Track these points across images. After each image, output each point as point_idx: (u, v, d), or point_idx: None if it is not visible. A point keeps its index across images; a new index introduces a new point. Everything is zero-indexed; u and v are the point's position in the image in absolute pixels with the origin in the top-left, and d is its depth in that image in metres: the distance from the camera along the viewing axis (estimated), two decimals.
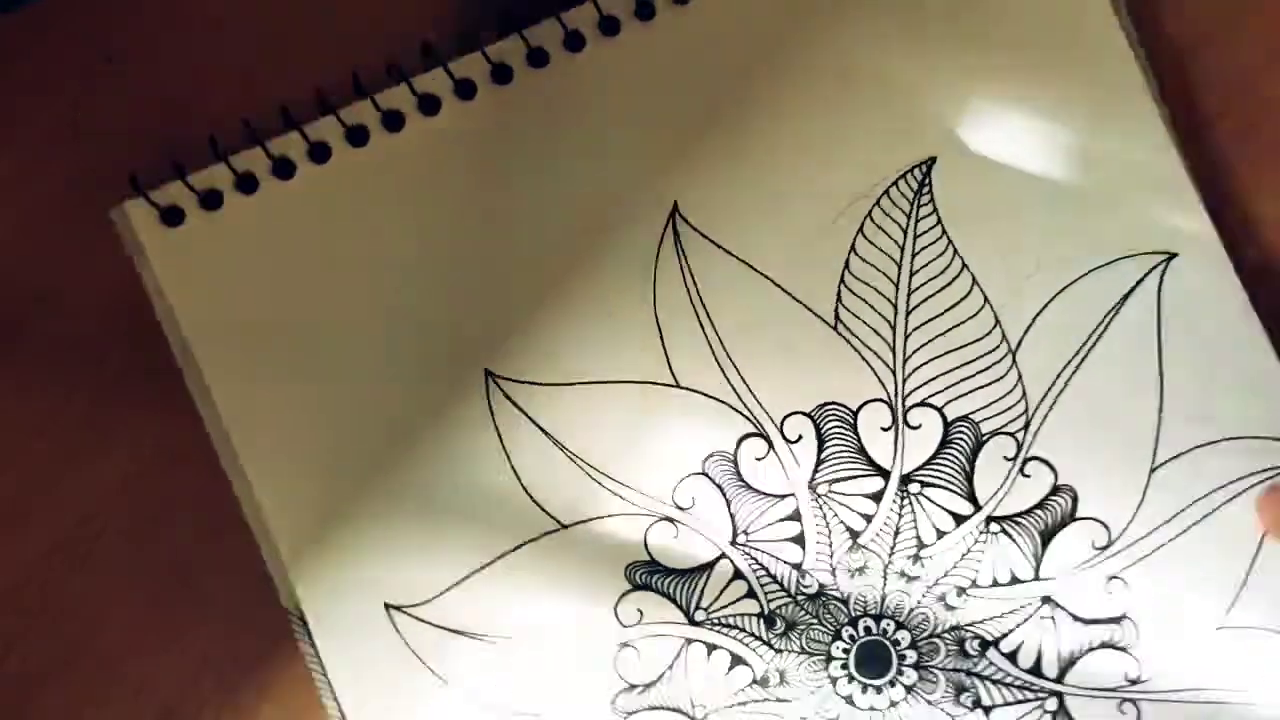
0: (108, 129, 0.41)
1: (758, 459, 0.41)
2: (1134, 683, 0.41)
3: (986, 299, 0.40)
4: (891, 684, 0.41)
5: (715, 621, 0.41)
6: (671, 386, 0.41)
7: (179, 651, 0.41)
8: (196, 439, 0.41)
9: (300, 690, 0.41)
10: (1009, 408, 0.41)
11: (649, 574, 0.41)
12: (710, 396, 0.41)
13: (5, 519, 0.41)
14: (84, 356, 0.41)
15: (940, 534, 0.41)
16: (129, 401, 0.41)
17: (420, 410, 0.41)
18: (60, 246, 0.41)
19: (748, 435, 0.41)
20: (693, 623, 0.41)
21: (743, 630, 0.41)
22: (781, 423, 0.41)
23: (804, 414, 0.41)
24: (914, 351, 0.41)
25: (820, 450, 0.41)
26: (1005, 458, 0.41)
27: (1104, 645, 0.41)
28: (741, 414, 0.41)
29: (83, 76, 0.41)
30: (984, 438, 0.41)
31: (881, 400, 0.41)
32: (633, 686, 0.41)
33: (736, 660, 0.41)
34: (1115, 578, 0.41)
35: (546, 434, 0.41)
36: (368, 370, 0.40)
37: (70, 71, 0.41)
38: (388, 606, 0.41)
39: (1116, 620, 0.41)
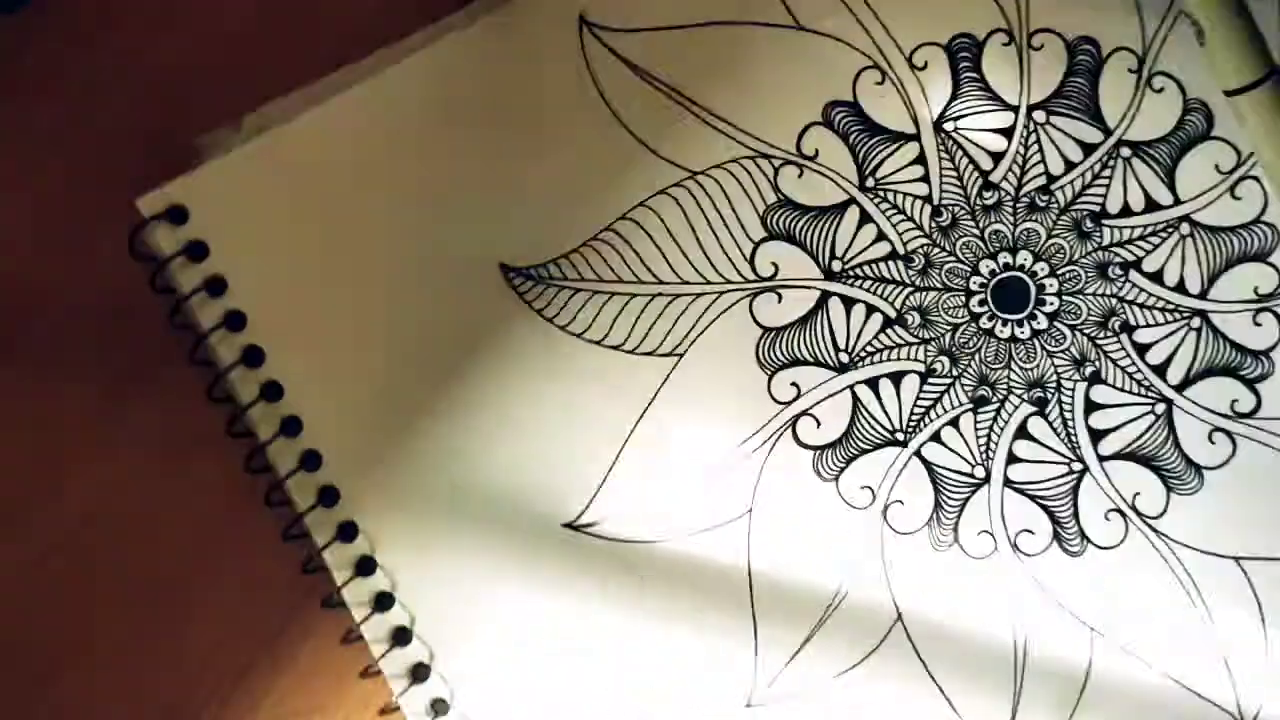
0: (108, 129, 0.41)
1: (876, 84, 0.41)
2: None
3: None
4: (1032, 316, 0.41)
5: (850, 273, 0.41)
6: (791, 28, 0.41)
7: (179, 651, 0.41)
8: (196, 439, 0.41)
9: (301, 690, 0.41)
10: (1127, 23, 0.40)
11: (782, 217, 0.41)
12: (829, 36, 0.41)
13: (5, 519, 0.40)
14: (84, 356, 0.41)
15: (1069, 164, 0.41)
16: (129, 401, 0.41)
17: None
18: (60, 246, 0.41)
19: (864, 69, 0.41)
20: (829, 275, 0.41)
21: (878, 278, 0.41)
22: (911, 53, 0.41)
23: (936, 44, 0.41)
24: None
25: (954, 84, 0.41)
26: (1129, 70, 0.40)
27: (1245, 258, 0.40)
28: (861, 52, 0.41)
29: (83, 76, 0.41)
30: (1106, 56, 0.40)
31: (1003, 29, 0.41)
32: (769, 330, 0.41)
33: (872, 310, 0.41)
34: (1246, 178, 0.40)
35: (657, 84, 0.41)
36: None
37: (70, 72, 0.41)
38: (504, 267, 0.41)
39: (1254, 224, 0.40)
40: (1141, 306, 0.40)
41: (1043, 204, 0.41)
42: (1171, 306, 0.40)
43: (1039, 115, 0.41)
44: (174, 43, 0.42)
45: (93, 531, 0.41)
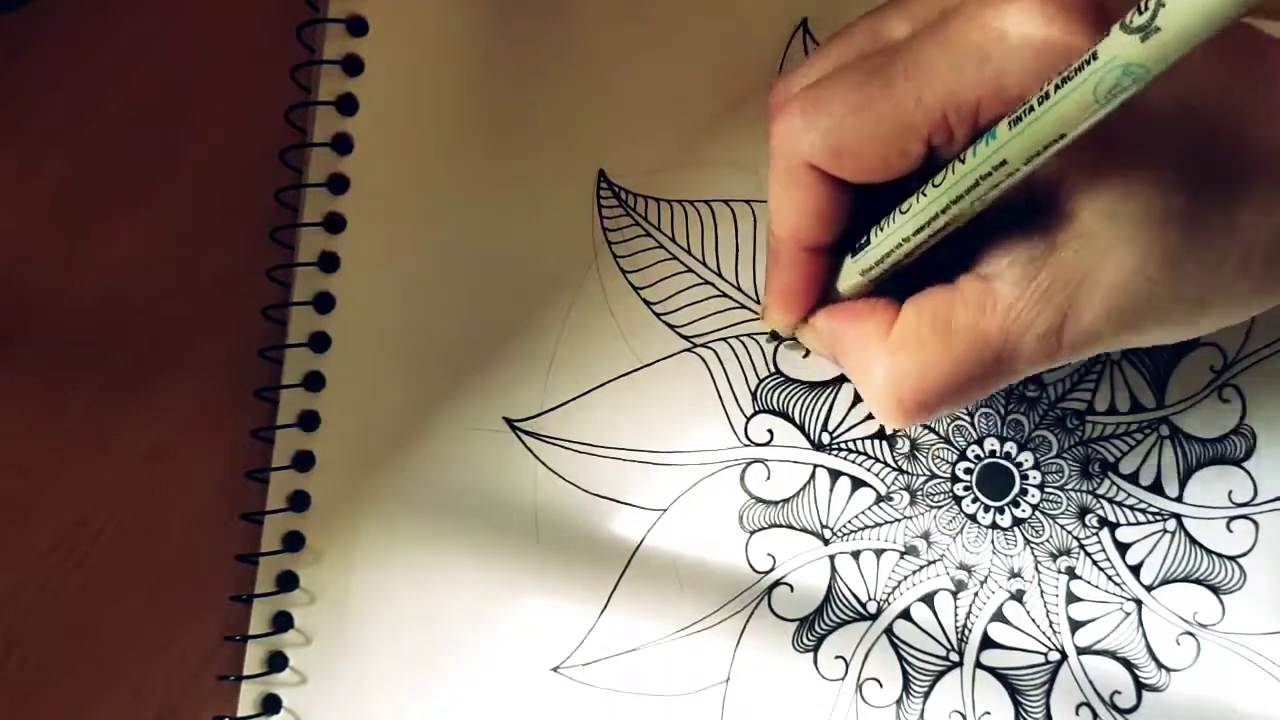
0: (108, 129, 0.42)
1: None
2: (1248, 503, 0.41)
3: None
4: (1015, 504, 0.42)
5: (839, 446, 0.42)
6: None
7: (179, 651, 0.41)
8: (196, 439, 0.42)
9: (302, 689, 0.41)
10: None
11: (778, 392, 0.42)
12: None
13: (5, 519, 0.41)
14: (84, 356, 0.41)
15: None
16: (129, 401, 0.41)
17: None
18: (60, 246, 0.42)
19: None
20: (817, 447, 0.42)
21: (866, 455, 0.42)
22: None
23: None
24: None
25: None
26: None
27: (1219, 461, 0.42)
28: None
29: (83, 76, 0.42)
30: None
31: None
32: (760, 501, 0.42)
33: (859, 484, 0.42)
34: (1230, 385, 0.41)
35: (661, 241, 0.42)
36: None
37: (71, 71, 0.42)
38: (507, 420, 0.41)
39: (1234, 433, 0.41)
40: (1120, 505, 0.41)
41: (1032, 395, 0.42)
42: (1148, 507, 0.41)
43: None
44: (174, 42, 0.42)
45: (93, 531, 0.41)
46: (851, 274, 0.35)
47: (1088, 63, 0.26)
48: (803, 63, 0.35)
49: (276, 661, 0.41)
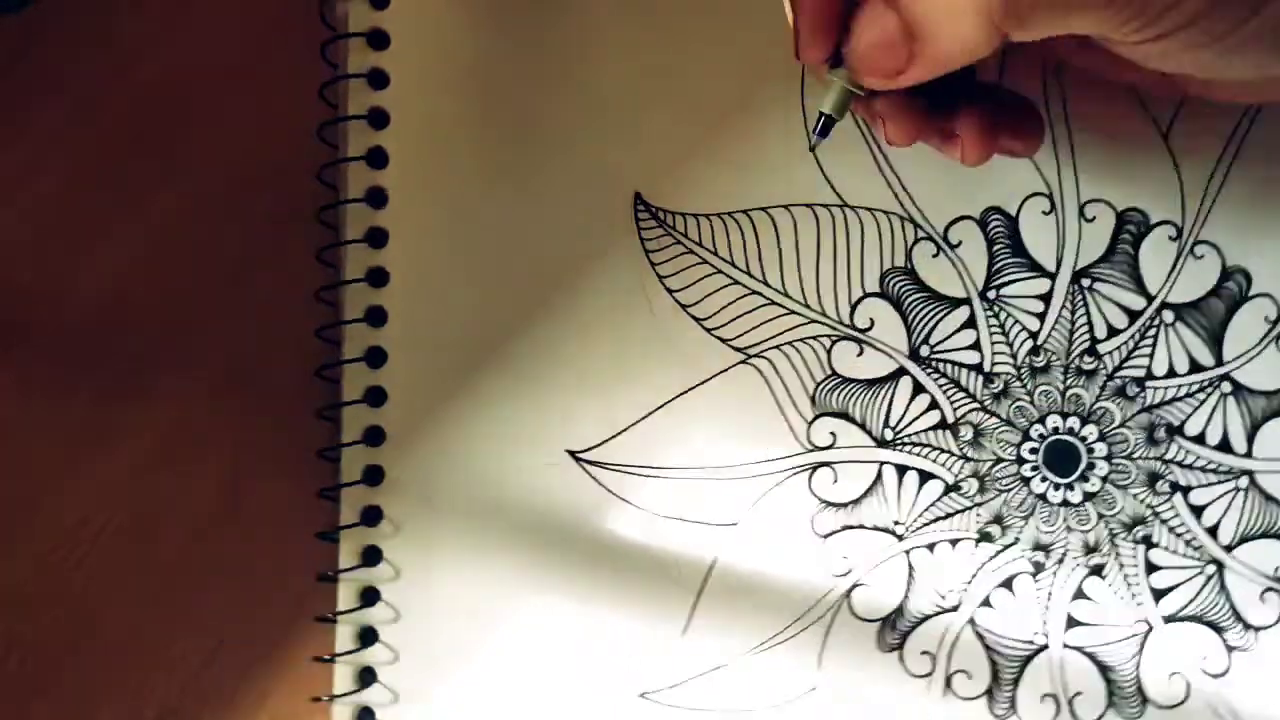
0: (109, 129, 0.41)
1: (932, 257, 0.41)
2: None
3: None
4: (1084, 478, 0.41)
5: (903, 440, 0.41)
6: (838, 206, 0.41)
7: (179, 651, 0.41)
8: (197, 439, 0.41)
9: (302, 690, 0.41)
10: (1168, 193, 0.41)
11: (836, 393, 0.41)
12: (878, 210, 0.41)
13: (5, 519, 0.41)
14: (84, 356, 0.41)
15: (1113, 330, 0.41)
16: (130, 400, 0.41)
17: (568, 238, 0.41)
18: (60, 246, 0.41)
19: (919, 240, 0.41)
20: (881, 444, 0.42)
21: (930, 446, 0.41)
22: (946, 230, 0.41)
23: (970, 218, 0.41)
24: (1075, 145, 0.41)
25: (990, 255, 0.41)
26: (1169, 239, 0.41)
27: None
28: (912, 221, 0.41)
29: (84, 77, 0.41)
30: (1148, 226, 0.41)
31: (1042, 194, 0.41)
32: (830, 504, 0.41)
33: (927, 476, 0.41)
34: None
35: (705, 257, 0.41)
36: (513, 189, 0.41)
37: (72, 72, 0.42)
38: (570, 453, 0.41)
39: None
40: (1190, 467, 0.41)
41: (1089, 368, 0.41)
42: (1218, 467, 0.41)
43: (1084, 281, 0.41)
44: (175, 43, 0.42)
45: (92, 531, 0.41)
46: None
47: None
48: None
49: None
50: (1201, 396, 0.41)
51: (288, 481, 0.41)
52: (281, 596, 0.41)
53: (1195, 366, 0.41)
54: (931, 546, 0.41)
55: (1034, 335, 0.41)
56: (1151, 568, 0.41)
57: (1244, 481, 0.41)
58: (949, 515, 0.41)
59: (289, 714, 0.41)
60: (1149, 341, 0.42)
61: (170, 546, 0.41)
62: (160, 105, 0.42)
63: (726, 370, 0.41)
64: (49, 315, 0.41)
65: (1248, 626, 0.41)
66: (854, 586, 0.41)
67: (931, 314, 0.41)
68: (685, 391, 0.41)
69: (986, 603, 0.41)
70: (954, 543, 0.41)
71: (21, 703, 0.40)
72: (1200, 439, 0.41)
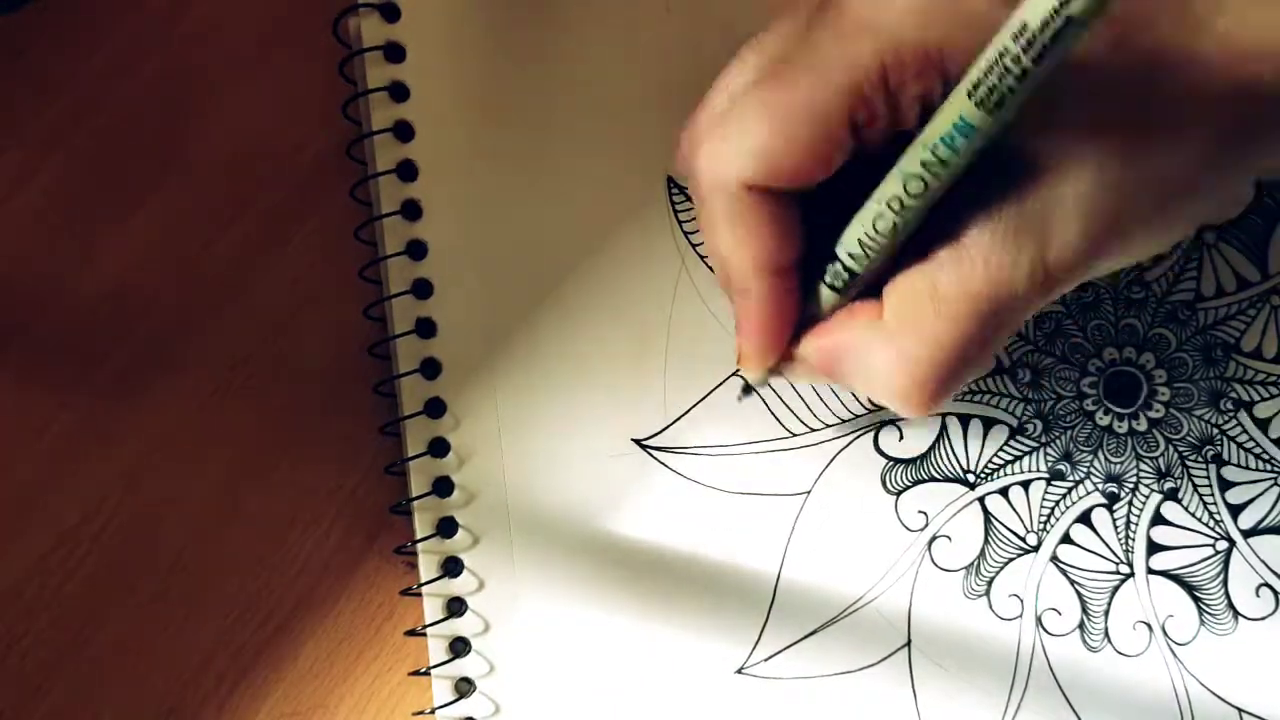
0: (109, 128, 0.42)
1: None
2: None
3: None
4: (1147, 406, 0.42)
5: (962, 390, 0.42)
6: None
7: (179, 651, 0.41)
8: (196, 438, 0.42)
9: (302, 690, 0.42)
10: None
11: None
12: None
13: (5, 519, 0.41)
14: (84, 356, 0.41)
15: (1158, 257, 0.42)
16: (129, 401, 0.41)
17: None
18: (60, 246, 0.42)
19: None
20: None
21: (990, 392, 0.42)
22: None
23: None
24: None
25: None
26: None
27: None
28: None
29: (84, 76, 0.42)
30: None
31: None
32: (899, 461, 0.42)
33: (991, 422, 0.42)
34: None
35: None
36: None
37: (71, 71, 0.42)
38: (635, 441, 0.42)
39: None
40: (1251, 383, 0.41)
41: (1139, 297, 0.42)
42: (1279, 379, 0.41)
43: None
44: (174, 42, 0.42)
45: (93, 531, 0.41)
46: (831, 293, 0.34)
47: (1063, 30, 0.26)
48: (703, 102, 0.35)
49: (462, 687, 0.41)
50: (1253, 313, 0.42)
51: (289, 482, 0.42)
52: (281, 597, 0.42)
53: (1243, 283, 0.42)
54: (1004, 490, 0.42)
55: None
56: (1225, 485, 0.41)
57: None
58: (1017, 458, 0.42)
59: (289, 712, 0.42)
60: (1194, 265, 0.42)
61: (170, 546, 0.41)
62: (160, 104, 0.42)
63: None
64: (49, 315, 0.42)
65: None
66: (933, 539, 0.41)
67: None
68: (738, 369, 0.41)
69: (1066, 539, 0.41)
70: (1026, 484, 0.42)
71: (21, 703, 0.40)
72: (1257, 353, 0.42)
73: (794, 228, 0.33)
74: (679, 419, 0.42)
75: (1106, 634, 0.41)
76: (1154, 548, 0.41)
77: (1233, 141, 0.31)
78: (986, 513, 0.41)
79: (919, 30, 0.30)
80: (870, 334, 0.33)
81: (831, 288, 0.34)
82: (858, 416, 0.42)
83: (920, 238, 0.32)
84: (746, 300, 0.34)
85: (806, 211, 0.33)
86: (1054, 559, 0.41)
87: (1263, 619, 0.41)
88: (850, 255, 0.33)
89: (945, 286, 0.31)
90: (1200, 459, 0.41)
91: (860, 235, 0.32)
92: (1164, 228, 0.33)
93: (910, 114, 0.31)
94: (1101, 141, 0.30)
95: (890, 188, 0.31)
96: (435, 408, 0.42)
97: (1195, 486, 0.41)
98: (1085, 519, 0.41)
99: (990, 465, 0.42)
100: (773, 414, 0.42)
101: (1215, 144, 0.31)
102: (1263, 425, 0.41)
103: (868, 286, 0.34)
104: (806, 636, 0.41)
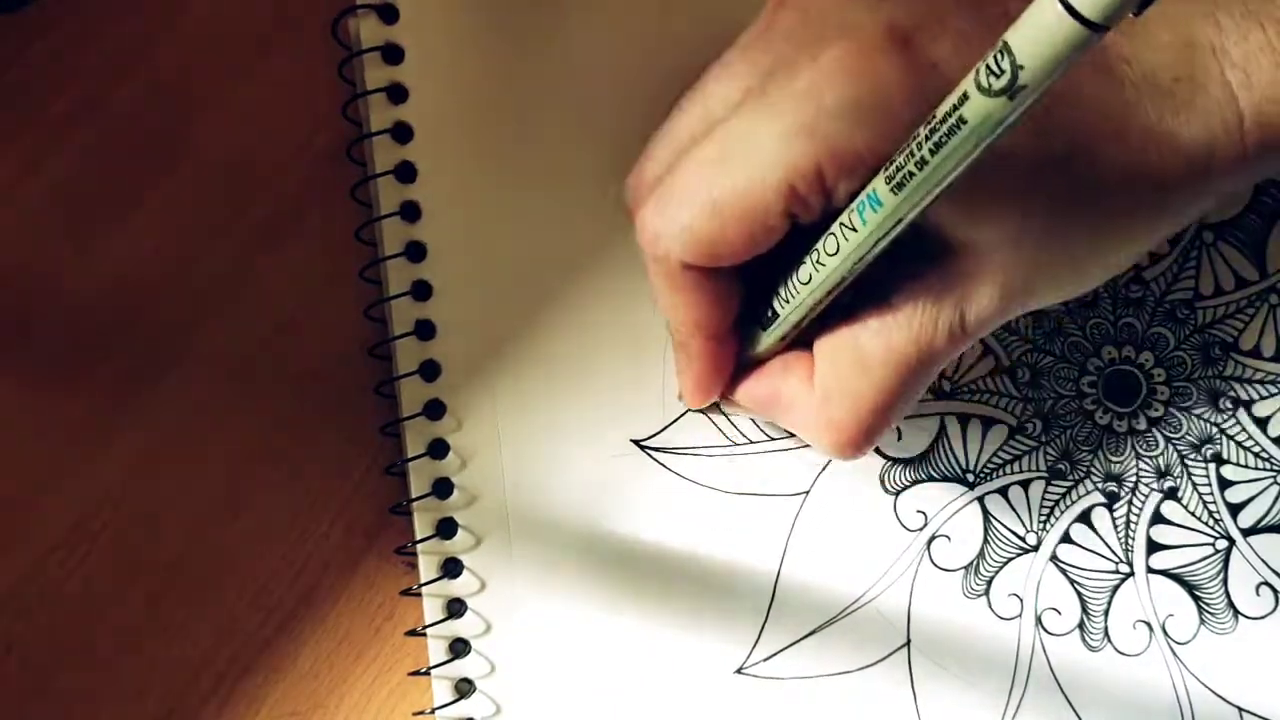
0: (110, 128, 0.42)
1: None
2: None
3: None
4: (1146, 405, 0.42)
5: (962, 389, 0.42)
6: None
7: (179, 651, 0.41)
8: (196, 438, 0.42)
9: (302, 690, 0.42)
10: None
11: None
12: None
13: (5, 519, 0.41)
14: (84, 356, 0.41)
15: (1155, 256, 0.42)
16: (129, 401, 0.41)
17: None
18: (61, 246, 0.42)
19: None
20: (940, 396, 0.42)
21: (989, 391, 0.42)
22: None
23: None
24: None
25: None
26: None
27: None
28: None
29: (85, 76, 0.42)
30: None
31: None
32: (897, 461, 0.42)
33: (990, 421, 0.42)
34: None
35: None
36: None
37: (73, 71, 0.42)
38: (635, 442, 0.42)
39: None
40: (1249, 382, 0.41)
41: (1137, 296, 0.42)
42: (1277, 378, 0.41)
43: None
44: (174, 42, 0.42)
45: (93, 531, 0.41)
46: (765, 341, 0.37)
47: (956, 127, 0.27)
48: (647, 151, 0.36)
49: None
50: (1251, 311, 0.42)
51: (289, 482, 0.42)
52: (280, 597, 0.42)
53: (1241, 282, 0.42)
54: (1004, 490, 0.42)
55: None
56: (1225, 484, 0.41)
57: None
58: (1017, 457, 0.42)
59: (289, 713, 0.42)
60: (1192, 263, 0.42)
61: (170, 546, 0.41)
62: (160, 104, 0.42)
63: None
64: (49, 315, 0.41)
65: None
66: (932, 539, 0.41)
67: None
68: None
69: (1066, 538, 0.41)
70: (1025, 484, 0.42)
71: (21, 703, 0.40)
72: (1256, 352, 0.42)
73: (731, 295, 0.35)
74: (678, 419, 0.42)
75: (1106, 633, 0.41)
76: (1154, 547, 0.41)
77: (1152, 214, 0.34)
78: (986, 512, 0.41)
79: (855, 134, 0.31)
80: (801, 389, 0.36)
81: (767, 331, 0.36)
82: None
83: (851, 301, 0.34)
84: (686, 354, 0.37)
85: (750, 264, 0.34)
86: (1054, 558, 0.41)
87: (1263, 618, 0.41)
88: (782, 305, 0.35)
89: (870, 348, 0.34)
90: (1200, 458, 0.41)
91: (788, 288, 0.34)
92: (1078, 284, 0.36)
93: (845, 203, 0.32)
94: (1021, 221, 0.32)
95: (816, 246, 0.33)
96: (435, 409, 0.42)
97: (1195, 485, 0.41)
98: (1085, 518, 0.41)
99: (989, 465, 0.42)
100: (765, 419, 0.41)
101: (1133, 217, 0.34)
102: (1262, 424, 0.41)
103: (803, 334, 0.36)
104: (806, 636, 0.41)
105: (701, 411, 0.41)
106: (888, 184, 0.29)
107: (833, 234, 0.32)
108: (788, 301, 0.35)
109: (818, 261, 0.33)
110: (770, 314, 0.36)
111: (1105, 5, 0.23)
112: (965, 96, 0.26)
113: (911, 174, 0.28)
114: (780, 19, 0.34)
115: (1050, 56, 0.24)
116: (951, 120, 0.27)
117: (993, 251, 0.33)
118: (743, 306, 0.36)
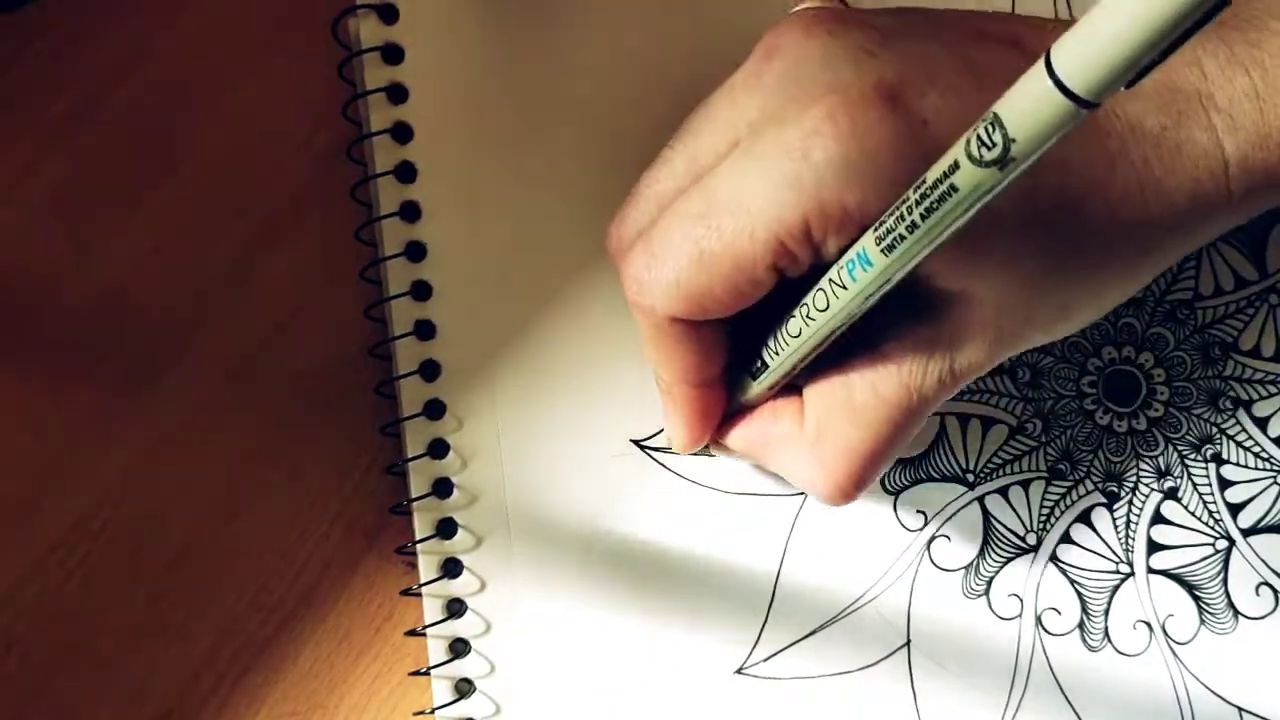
0: (110, 128, 0.42)
1: None
2: None
3: None
4: (1146, 405, 0.42)
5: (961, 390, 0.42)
6: None
7: (179, 651, 0.41)
8: (196, 438, 0.42)
9: (302, 690, 0.42)
10: None
11: None
12: None
13: (5, 519, 0.41)
14: (84, 356, 0.41)
15: None
16: (129, 400, 0.41)
17: None
18: (61, 246, 0.42)
19: None
20: None
21: (989, 392, 0.42)
22: None
23: None
24: None
25: None
26: None
27: None
28: None
29: (85, 76, 0.42)
30: None
31: None
32: (898, 461, 0.42)
33: (990, 422, 0.42)
34: None
35: None
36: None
37: (72, 71, 0.42)
38: (635, 442, 0.42)
39: None
40: (1249, 382, 0.41)
41: (1137, 296, 0.42)
42: (1276, 378, 0.41)
43: None
44: (175, 42, 0.42)
45: (93, 531, 0.41)
46: (754, 389, 0.37)
47: (947, 195, 0.27)
48: (631, 199, 0.36)
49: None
50: (1251, 312, 0.42)
51: (289, 482, 0.42)
52: (279, 598, 0.42)
53: (1241, 282, 0.42)
54: (1004, 490, 0.42)
55: None
56: (1225, 484, 0.41)
57: None
58: (1017, 457, 0.42)
59: (288, 713, 0.42)
60: (1192, 264, 0.42)
61: (170, 546, 0.41)
62: (160, 105, 0.42)
63: None
64: (49, 315, 0.41)
65: None
66: (932, 539, 0.41)
67: None
68: None
69: (1066, 538, 0.41)
70: (1025, 484, 0.42)
71: (21, 703, 0.40)
72: (1255, 352, 0.42)
73: (718, 345, 0.36)
74: None
75: (1106, 633, 0.41)
76: (1154, 547, 0.41)
77: (1139, 260, 0.34)
78: (986, 512, 0.41)
79: (843, 191, 0.31)
80: (792, 436, 0.36)
81: (756, 381, 0.37)
82: None
83: (843, 350, 0.34)
84: (674, 401, 0.37)
85: (737, 314, 0.34)
86: (1053, 558, 0.41)
87: (1263, 618, 0.41)
88: (771, 356, 0.35)
89: (862, 397, 0.34)
90: (1200, 458, 0.41)
91: (778, 340, 0.35)
92: (1067, 327, 0.36)
93: (833, 258, 0.32)
94: (1009, 274, 0.33)
95: (806, 299, 0.33)
96: (435, 409, 0.42)
97: (1195, 485, 0.41)
98: (1085, 518, 0.41)
99: (989, 465, 0.42)
100: None
101: (1121, 265, 0.34)
102: (1262, 424, 0.41)
103: (792, 382, 0.36)
104: (806, 636, 0.41)
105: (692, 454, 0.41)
106: (878, 245, 0.29)
107: (822, 289, 0.32)
108: (777, 354, 0.35)
109: (807, 316, 0.33)
110: (760, 364, 0.36)
111: (1097, 83, 0.22)
112: (956, 165, 0.26)
113: (902, 237, 0.29)
114: (769, 68, 0.33)
115: (1042, 131, 0.24)
116: (942, 188, 0.27)
117: (982, 302, 0.33)
118: (730, 355, 0.37)
